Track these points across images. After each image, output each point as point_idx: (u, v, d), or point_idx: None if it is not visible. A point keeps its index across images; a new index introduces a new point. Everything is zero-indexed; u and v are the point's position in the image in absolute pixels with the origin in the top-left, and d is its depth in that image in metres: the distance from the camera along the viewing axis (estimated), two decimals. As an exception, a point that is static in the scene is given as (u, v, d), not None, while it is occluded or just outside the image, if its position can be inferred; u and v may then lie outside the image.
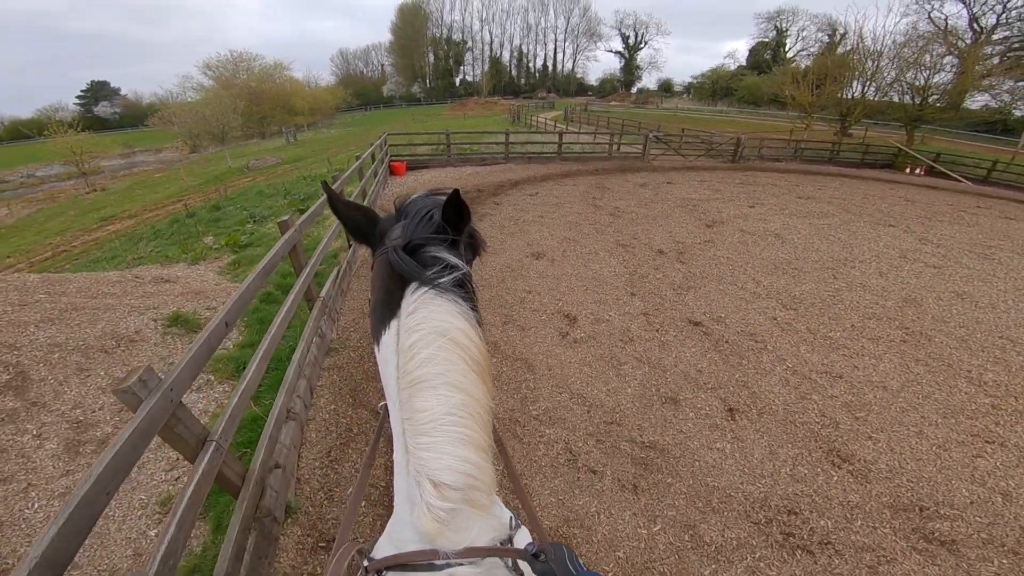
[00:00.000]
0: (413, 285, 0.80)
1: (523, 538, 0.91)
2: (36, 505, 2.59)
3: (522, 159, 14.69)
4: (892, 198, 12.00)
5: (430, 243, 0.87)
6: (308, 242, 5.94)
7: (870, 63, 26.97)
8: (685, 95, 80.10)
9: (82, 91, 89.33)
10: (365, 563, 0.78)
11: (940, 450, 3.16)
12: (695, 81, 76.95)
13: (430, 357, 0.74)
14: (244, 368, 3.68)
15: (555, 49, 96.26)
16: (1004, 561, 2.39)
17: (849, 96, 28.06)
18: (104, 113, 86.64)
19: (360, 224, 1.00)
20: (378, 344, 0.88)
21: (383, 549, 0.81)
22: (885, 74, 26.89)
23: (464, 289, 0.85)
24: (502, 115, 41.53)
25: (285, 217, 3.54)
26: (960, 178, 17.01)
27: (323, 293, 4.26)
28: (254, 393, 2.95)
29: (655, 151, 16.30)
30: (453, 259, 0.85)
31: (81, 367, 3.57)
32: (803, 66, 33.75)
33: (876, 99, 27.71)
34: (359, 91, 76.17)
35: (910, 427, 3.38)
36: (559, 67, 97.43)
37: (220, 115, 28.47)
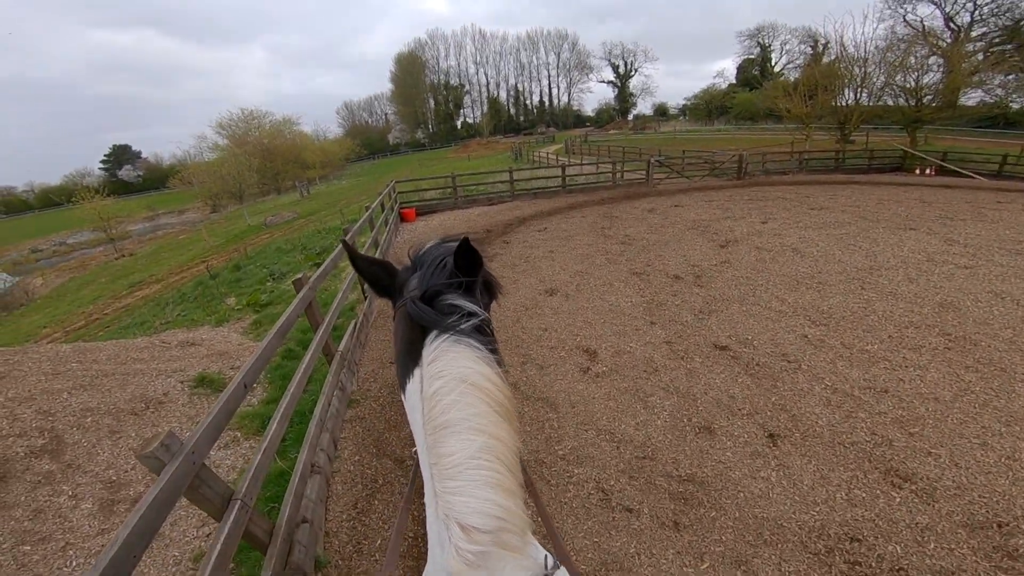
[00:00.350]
0: (432, 334, 0.83)
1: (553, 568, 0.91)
2: (74, 563, 2.69)
3: (528, 195, 14.96)
4: (907, 201, 11.77)
5: (446, 291, 0.89)
6: (325, 296, 6.04)
7: (857, 70, 27.27)
8: (681, 117, 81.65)
9: (105, 156, 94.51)
10: None
11: (1009, 460, 2.94)
12: (689, 103, 78.60)
13: (453, 403, 0.75)
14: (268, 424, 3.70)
15: (549, 84, 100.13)
16: None
17: (844, 103, 28.27)
18: (127, 176, 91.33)
19: (380, 278, 1.05)
20: (404, 393, 0.91)
21: None
22: (874, 79, 27.13)
23: (483, 334, 0.87)
24: (505, 153, 42.81)
25: (299, 276, 3.62)
26: (973, 174, 16.66)
27: (341, 347, 4.28)
28: (278, 448, 2.95)
29: (659, 175, 16.47)
30: (469, 305, 0.88)
31: (113, 430, 3.69)
32: (792, 79, 34.33)
33: (872, 104, 27.82)
34: (365, 141, 79.52)
35: (971, 439, 3.16)
36: (555, 101, 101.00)
37: (236, 173, 29.99)
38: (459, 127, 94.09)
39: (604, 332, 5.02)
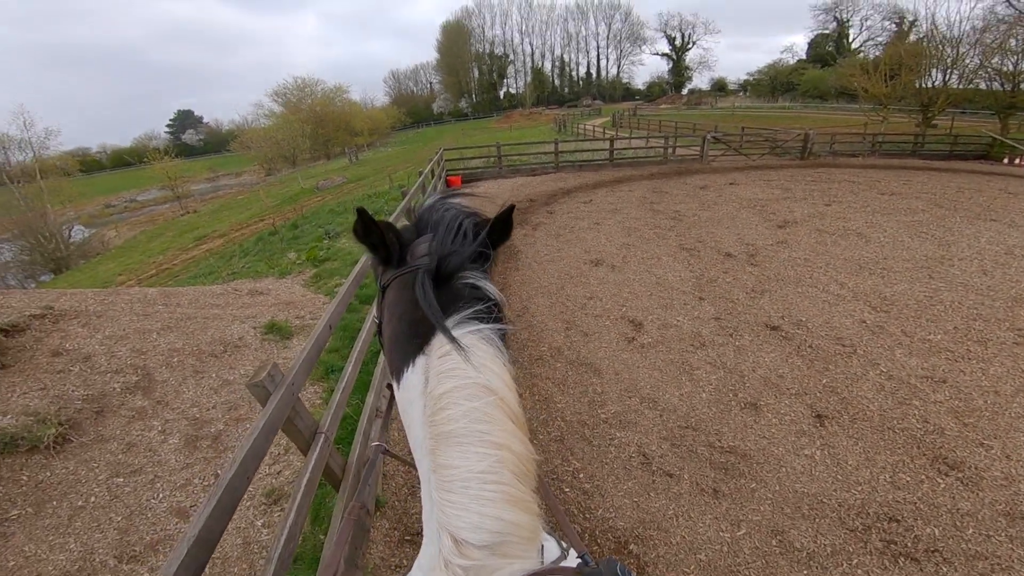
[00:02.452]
0: (449, 322, 0.68)
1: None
2: (161, 495, 2.85)
3: (572, 167, 14.72)
4: (990, 191, 10.73)
5: (467, 267, 0.73)
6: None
7: (949, 50, 24.57)
8: (742, 93, 76.51)
9: (170, 120, 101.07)
10: None
11: None
12: (751, 78, 73.39)
13: (467, 412, 0.64)
14: (338, 371, 4.00)
15: (598, 56, 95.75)
16: None
17: (930, 85, 25.62)
18: (191, 140, 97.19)
19: (393, 249, 0.81)
20: (398, 382, 0.76)
21: None
22: (967, 61, 24.41)
23: (499, 324, 0.72)
24: (547, 125, 41.84)
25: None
26: (1078, 164, 14.87)
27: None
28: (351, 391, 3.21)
29: (714, 152, 15.71)
30: (492, 289, 0.73)
31: (196, 369, 4.03)
32: (871, 56, 31.23)
33: (961, 87, 25.10)
34: (411, 110, 79.94)
35: None
36: (603, 73, 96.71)
37: (290, 139, 31.16)
38: (502, 97, 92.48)
39: (650, 304, 5.03)
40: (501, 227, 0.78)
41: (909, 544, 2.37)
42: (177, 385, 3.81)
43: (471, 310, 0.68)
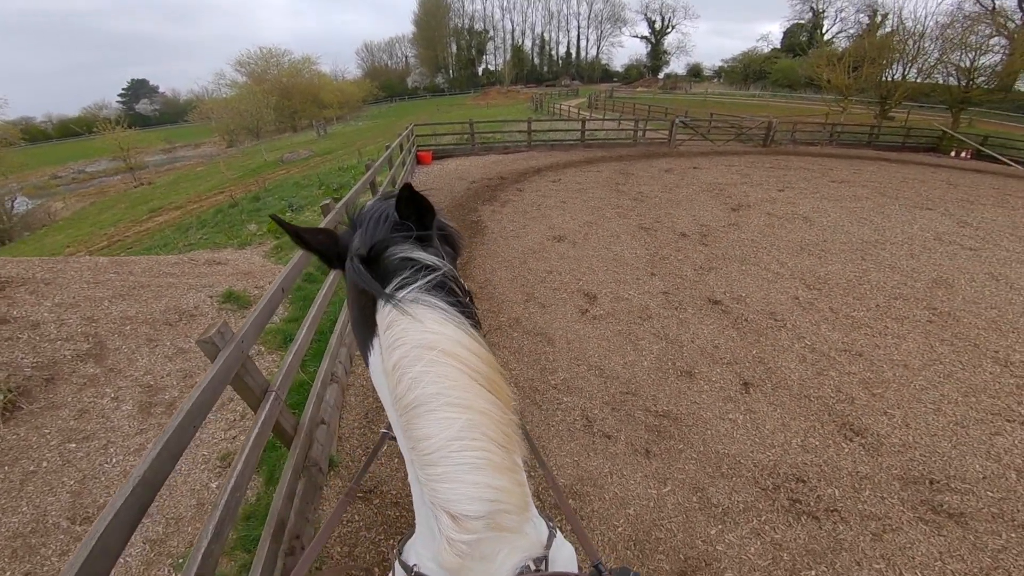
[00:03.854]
0: (381, 302, 0.71)
1: (560, 554, 0.86)
2: (114, 460, 2.88)
3: (545, 147, 14.76)
4: (933, 181, 11.49)
5: (394, 244, 0.75)
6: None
7: (911, 44, 25.64)
8: (716, 79, 77.39)
9: (123, 89, 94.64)
10: None
11: (957, 427, 3.17)
12: (726, 65, 74.27)
13: (419, 376, 0.64)
14: (292, 340, 4.05)
15: (578, 36, 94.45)
16: (1012, 535, 2.42)
17: (890, 78, 26.74)
18: (145, 110, 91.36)
19: (328, 247, 0.86)
20: (368, 366, 0.81)
21: (415, 555, 0.81)
22: (928, 55, 25.56)
23: (447, 291, 0.74)
24: (524, 104, 41.35)
25: (326, 201, 3.86)
26: (1010, 162, 15.98)
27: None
28: (303, 358, 3.28)
29: (682, 136, 16.03)
30: (427, 258, 0.74)
31: (150, 338, 3.99)
32: (840, 48, 32.28)
33: (919, 81, 26.34)
34: (384, 83, 77.09)
35: (928, 404, 3.38)
36: (583, 54, 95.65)
37: (254, 110, 29.72)
38: (480, 74, 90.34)
39: (606, 279, 5.26)
40: (409, 205, 0.77)
41: (812, 503, 2.58)
42: (130, 353, 3.77)
43: (401, 277, 0.70)
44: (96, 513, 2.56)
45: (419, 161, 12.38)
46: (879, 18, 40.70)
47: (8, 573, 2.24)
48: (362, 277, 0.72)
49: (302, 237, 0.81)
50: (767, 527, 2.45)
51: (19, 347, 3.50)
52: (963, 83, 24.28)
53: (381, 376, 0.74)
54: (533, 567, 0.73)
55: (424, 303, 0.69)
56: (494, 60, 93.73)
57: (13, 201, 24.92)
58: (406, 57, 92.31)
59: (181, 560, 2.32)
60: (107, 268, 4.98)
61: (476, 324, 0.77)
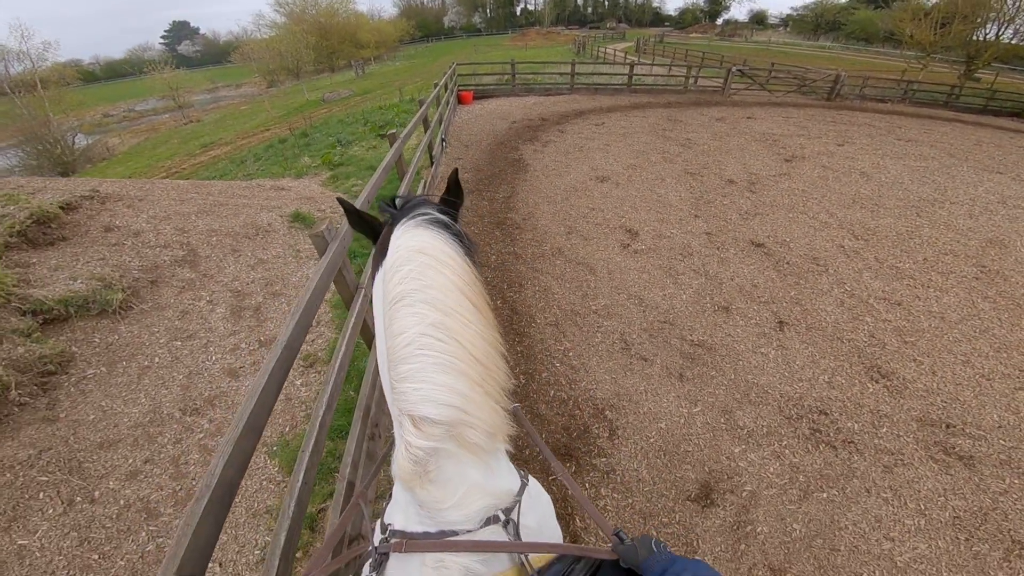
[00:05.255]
0: (399, 223, 0.78)
1: (536, 505, 0.83)
2: (214, 358, 3.18)
3: (588, 90, 14.25)
4: (1010, 147, 10.54)
5: (421, 206, 0.84)
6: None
7: (1011, 2, 22.47)
8: (782, 28, 70.47)
9: (165, 31, 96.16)
10: (376, 543, 0.72)
11: (983, 379, 3.21)
12: (795, 13, 67.25)
13: (407, 274, 0.68)
14: (361, 257, 4.43)
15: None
16: (1016, 481, 2.51)
17: (981, 37, 23.78)
18: (187, 52, 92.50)
19: (377, 226, 0.94)
20: (372, 293, 0.87)
21: (390, 515, 0.76)
22: None
23: (453, 232, 0.79)
24: (566, 46, 39.07)
25: (392, 131, 4.11)
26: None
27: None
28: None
29: (737, 85, 15.07)
30: (444, 217, 0.81)
31: (233, 248, 4.44)
32: (930, 2, 28.61)
33: (1013, 43, 23.33)
34: (420, 23, 74.28)
35: (958, 355, 3.43)
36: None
37: (294, 50, 29.55)
38: (518, 14, 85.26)
39: (648, 218, 5.36)
40: (453, 184, 0.87)
41: (831, 434, 2.72)
42: (219, 261, 4.19)
43: (413, 215, 0.78)
44: (202, 406, 2.88)
45: (460, 100, 12.28)
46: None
47: (131, 460, 2.49)
48: (386, 209, 0.86)
49: (361, 217, 0.91)
50: (787, 451, 2.62)
51: (125, 251, 3.95)
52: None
53: (379, 285, 0.78)
54: (503, 517, 0.70)
55: (427, 226, 0.75)
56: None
57: (74, 136, 26.33)
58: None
59: (275, 448, 2.64)
60: (188, 189, 5.46)
61: (474, 259, 0.81)
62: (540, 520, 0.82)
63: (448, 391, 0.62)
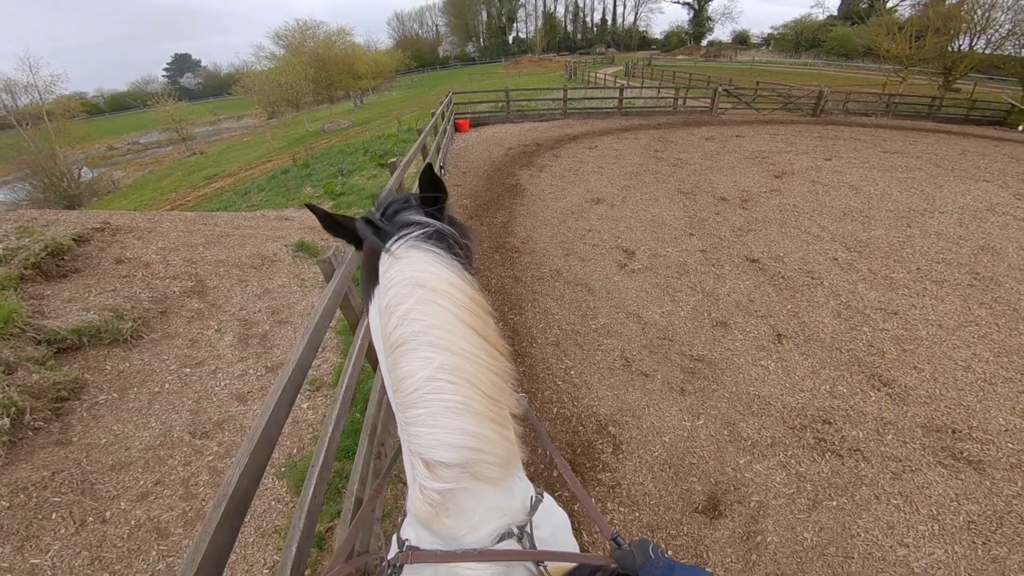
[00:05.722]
0: (387, 244, 0.74)
1: (550, 520, 0.82)
2: (223, 383, 3.26)
3: (580, 115, 14.66)
4: (994, 155, 10.83)
5: (404, 211, 0.81)
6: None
7: (979, 14, 23.45)
8: (764, 47, 72.81)
9: (168, 64, 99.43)
10: (391, 556, 0.73)
11: (985, 384, 3.24)
12: (776, 32, 69.69)
13: (406, 314, 0.65)
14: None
15: (615, 2, 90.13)
16: None
17: (956, 48, 24.68)
18: (188, 84, 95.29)
19: (354, 231, 0.88)
20: (369, 318, 0.84)
21: (406, 531, 0.77)
22: (999, 25, 23.37)
23: (446, 244, 0.76)
24: (558, 72, 40.34)
25: (393, 160, 4.28)
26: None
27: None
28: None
29: (725, 105, 15.52)
30: (431, 220, 0.78)
31: (240, 278, 4.54)
32: (903, 17, 29.75)
33: (987, 53, 24.24)
34: (416, 53, 76.68)
35: (959, 361, 3.46)
36: (619, 20, 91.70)
37: (293, 82, 30.47)
38: (511, 42, 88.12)
39: (644, 238, 5.49)
40: (428, 182, 0.84)
41: (836, 442, 2.75)
42: (226, 291, 4.30)
43: (400, 233, 0.73)
44: (211, 430, 2.94)
45: (457, 129, 12.62)
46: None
47: (141, 482, 2.54)
48: (365, 231, 0.77)
49: (335, 221, 0.86)
50: (793, 460, 2.64)
51: (135, 283, 4.06)
52: (1037, 56, 22.20)
53: (376, 320, 0.75)
54: (516, 532, 0.70)
55: (420, 248, 0.71)
56: (525, 28, 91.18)
57: (80, 169, 26.89)
58: (436, 26, 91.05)
59: (283, 469, 2.70)
60: (195, 220, 5.61)
61: (473, 276, 0.79)
62: (553, 532, 0.82)
63: (460, 434, 0.61)
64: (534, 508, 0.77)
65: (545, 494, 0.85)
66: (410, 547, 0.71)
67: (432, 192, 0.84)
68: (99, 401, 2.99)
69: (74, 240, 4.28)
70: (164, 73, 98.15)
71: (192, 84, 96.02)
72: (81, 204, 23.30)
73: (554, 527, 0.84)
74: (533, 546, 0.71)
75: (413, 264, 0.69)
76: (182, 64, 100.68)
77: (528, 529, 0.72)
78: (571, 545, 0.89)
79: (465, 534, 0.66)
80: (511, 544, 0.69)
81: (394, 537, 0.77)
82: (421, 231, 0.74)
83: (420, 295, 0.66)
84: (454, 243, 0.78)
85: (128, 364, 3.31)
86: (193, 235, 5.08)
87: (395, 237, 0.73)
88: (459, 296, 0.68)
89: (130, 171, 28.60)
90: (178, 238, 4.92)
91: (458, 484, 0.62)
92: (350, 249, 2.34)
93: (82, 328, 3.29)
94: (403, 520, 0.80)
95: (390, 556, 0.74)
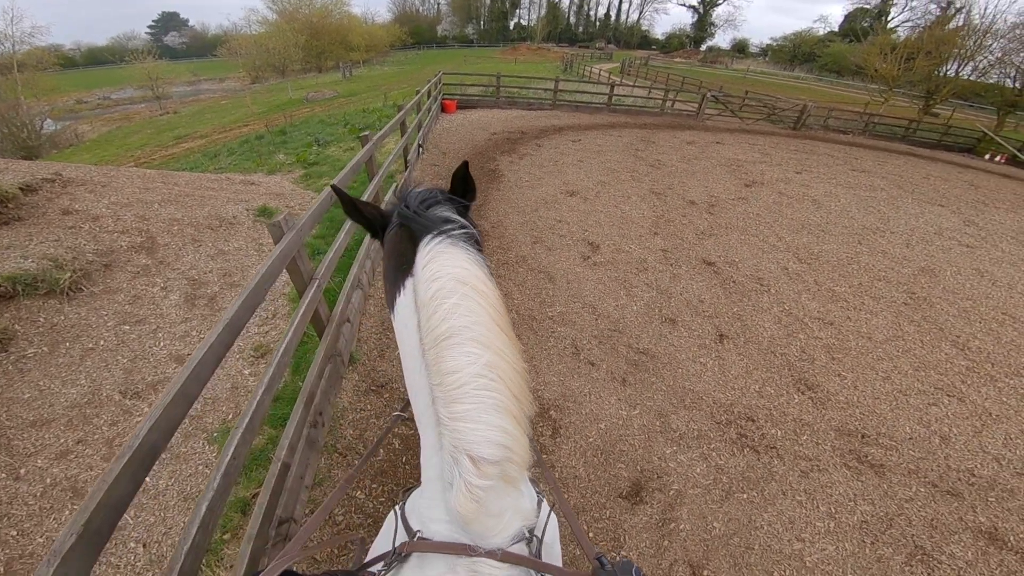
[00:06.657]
0: (427, 238, 0.77)
1: (551, 523, 0.86)
2: (162, 344, 3.17)
3: (569, 107, 14.66)
4: (956, 181, 11.38)
5: (438, 206, 0.85)
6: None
7: (971, 41, 24.31)
8: (761, 57, 73.85)
9: (153, 21, 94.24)
10: (398, 544, 0.74)
11: (900, 394, 3.47)
12: (775, 43, 70.74)
13: (454, 308, 0.68)
14: (322, 253, 4.50)
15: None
16: (921, 489, 2.71)
17: (942, 73, 25.57)
18: (172, 43, 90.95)
19: (375, 218, 0.96)
20: (393, 311, 0.85)
21: (417, 522, 0.77)
22: (988, 53, 24.26)
23: (479, 246, 0.81)
24: (554, 63, 40.02)
25: (366, 132, 4.19)
26: (1046, 169, 15.54)
27: (386, 198, 4.97)
28: (337, 265, 3.68)
29: (711, 111, 15.75)
30: (464, 221, 0.83)
31: (194, 238, 4.40)
32: (900, 38, 30.58)
33: (972, 79, 25.15)
34: (414, 30, 74.84)
35: (880, 372, 3.68)
36: (623, 17, 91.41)
37: (282, 48, 29.37)
38: (511, 28, 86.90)
39: (610, 233, 5.60)
40: (462, 182, 0.90)
41: (756, 439, 2.92)
42: (177, 249, 4.16)
43: (441, 228, 0.78)
44: (144, 390, 2.87)
45: (443, 109, 12.46)
46: (952, 11, 38.29)
47: (63, 440, 2.44)
48: (420, 216, 0.82)
49: (356, 206, 0.92)
50: (714, 453, 2.80)
51: (81, 235, 3.88)
52: (1018, 85, 23.14)
53: (411, 314, 0.76)
54: (527, 534, 0.74)
55: (461, 247, 0.76)
56: (527, 15, 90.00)
57: (43, 121, 25.40)
58: (438, 4, 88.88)
59: (215, 434, 2.66)
60: (155, 178, 5.41)
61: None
62: (553, 537, 0.87)
63: (500, 432, 0.65)
64: (539, 508, 0.81)
65: (543, 495, 0.89)
66: (423, 537, 0.73)
67: (463, 191, 0.89)
68: (27, 354, 2.86)
69: (20, 189, 4.08)
70: (148, 30, 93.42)
71: (176, 43, 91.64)
72: (40, 156, 22.08)
73: (552, 532, 0.87)
74: (539, 550, 0.75)
75: (456, 260, 0.73)
76: (168, 22, 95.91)
77: (538, 533, 0.77)
78: (559, 551, 0.93)
79: (496, 534, 0.69)
80: (521, 548, 0.72)
81: (398, 520, 0.79)
82: (463, 231, 0.79)
83: (464, 291, 0.69)
84: (480, 245, 0.83)
85: (63, 317, 3.16)
86: (150, 192, 4.91)
87: (435, 232, 0.77)
88: (493, 298, 0.72)
89: (96, 126, 27.16)
90: (133, 194, 4.74)
91: (495, 484, 0.65)
92: (305, 216, 2.35)
93: (17, 276, 3.15)
94: (402, 508, 0.82)
95: (396, 543, 0.76)
